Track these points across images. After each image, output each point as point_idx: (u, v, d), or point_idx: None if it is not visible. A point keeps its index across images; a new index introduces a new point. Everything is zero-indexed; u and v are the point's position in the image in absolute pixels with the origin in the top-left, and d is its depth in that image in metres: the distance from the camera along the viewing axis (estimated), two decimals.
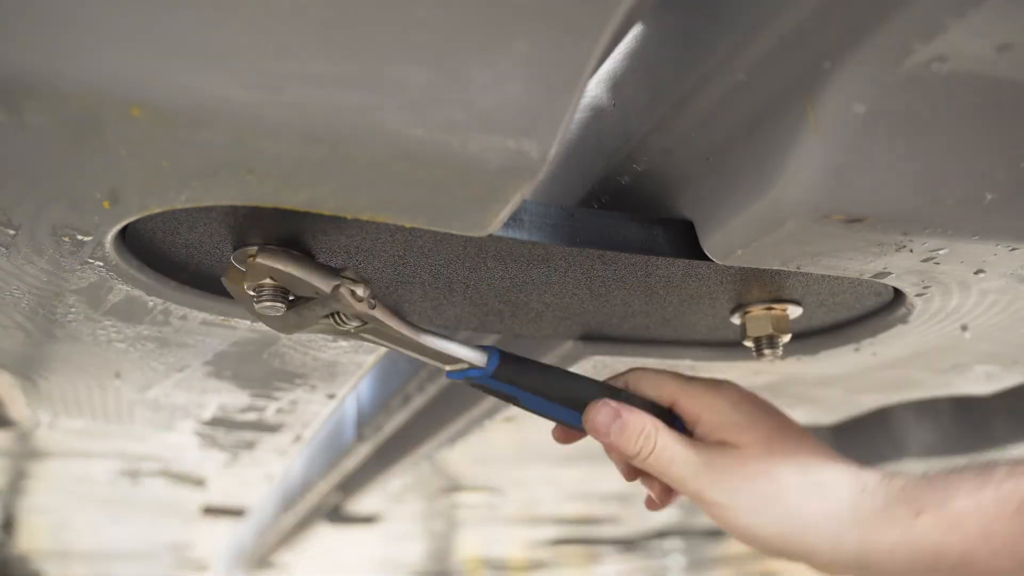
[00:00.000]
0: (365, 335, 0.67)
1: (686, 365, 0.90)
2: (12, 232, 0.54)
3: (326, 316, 0.64)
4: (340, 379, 0.92)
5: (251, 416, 1.10)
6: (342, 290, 0.60)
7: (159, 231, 0.60)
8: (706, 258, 0.64)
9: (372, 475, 1.57)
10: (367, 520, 1.97)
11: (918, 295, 0.70)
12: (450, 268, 0.67)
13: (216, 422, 1.13)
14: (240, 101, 0.40)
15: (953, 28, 0.43)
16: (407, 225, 0.52)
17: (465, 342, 0.69)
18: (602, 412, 0.68)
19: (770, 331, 0.74)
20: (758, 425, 0.66)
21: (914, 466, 1.45)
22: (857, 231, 0.56)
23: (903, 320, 0.77)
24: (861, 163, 0.52)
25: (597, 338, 0.86)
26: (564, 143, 0.75)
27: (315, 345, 0.81)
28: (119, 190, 0.48)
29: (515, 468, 1.50)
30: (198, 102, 0.40)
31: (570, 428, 0.72)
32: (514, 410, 1.07)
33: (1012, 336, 0.81)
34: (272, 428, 1.16)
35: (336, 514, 1.90)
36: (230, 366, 0.88)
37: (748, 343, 0.76)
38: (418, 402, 1.22)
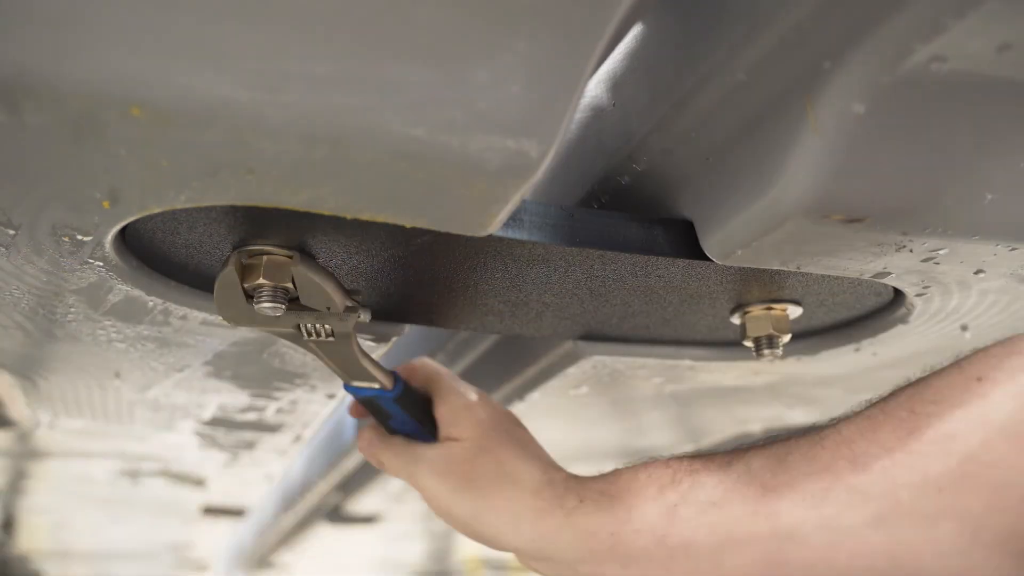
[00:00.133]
0: (311, 344, 0.70)
1: (686, 365, 0.90)
2: (12, 232, 0.54)
3: (298, 324, 0.67)
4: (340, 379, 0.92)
5: (251, 416, 1.10)
6: (354, 312, 0.65)
7: (159, 231, 0.60)
8: (706, 258, 0.64)
9: (372, 475, 1.57)
10: (367, 520, 1.97)
11: (918, 295, 0.70)
12: (450, 268, 0.67)
13: (216, 422, 1.13)
14: (240, 101, 0.40)
15: (953, 28, 0.43)
16: (407, 225, 0.52)
17: (381, 364, 0.76)
18: (359, 437, 0.84)
19: (770, 331, 0.74)
20: (480, 425, 0.75)
21: None
22: (857, 231, 0.56)
23: (903, 320, 0.77)
24: (861, 163, 0.52)
25: (597, 338, 0.86)
26: (564, 143, 0.75)
27: None
28: (119, 190, 0.48)
29: None
30: (198, 102, 0.40)
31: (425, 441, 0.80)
32: (514, 410, 1.07)
33: None
34: (272, 428, 1.16)
35: (336, 514, 1.90)
36: (230, 366, 0.88)
37: (748, 343, 0.76)
38: None
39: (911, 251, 0.59)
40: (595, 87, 0.70)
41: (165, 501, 1.75)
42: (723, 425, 1.23)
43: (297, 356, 0.85)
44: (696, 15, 0.54)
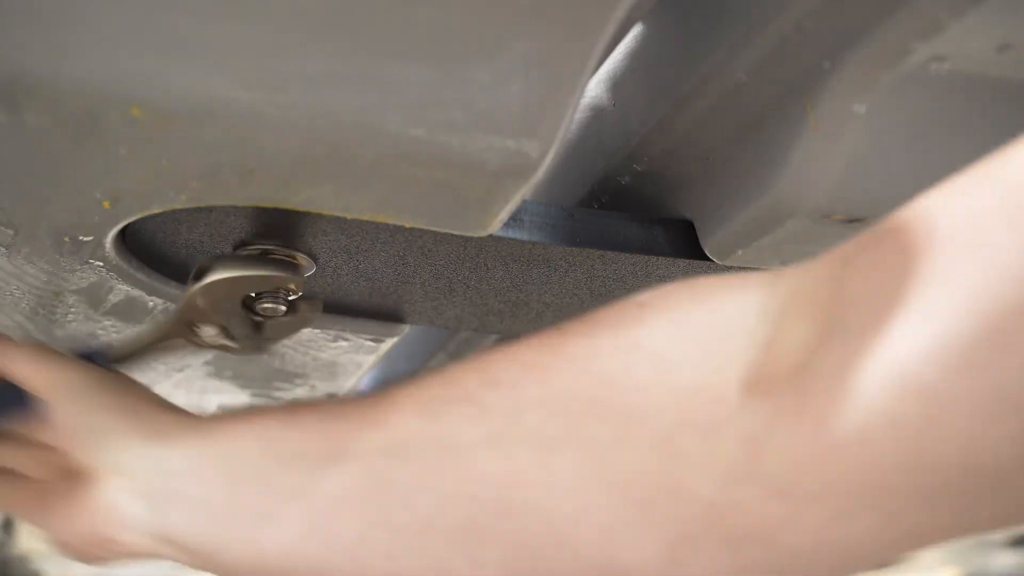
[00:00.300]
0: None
1: None
2: (12, 232, 0.54)
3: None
4: (340, 379, 0.92)
5: None
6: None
7: (159, 231, 0.60)
8: (706, 258, 0.64)
9: None
10: None
11: None
12: (450, 268, 0.67)
13: None
14: (240, 101, 0.40)
15: (953, 28, 0.43)
16: (407, 225, 0.52)
17: None
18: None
19: None
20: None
21: None
22: (857, 231, 0.56)
23: None
24: (861, 163, 0.52)
25: None
26: (564, 143, 0.75)
27: (315, 345, 0.81)
28: (119, 190, 0.48)
29: None
30: (198, 102, 0.40)
31: None
32: None
33: None
34: None
35: None
36: (230, 366, 0.88)
37: None
38: None
39: None
40: (595, 87, 0.70)
41: None
42: None
43: (297, 356, 0.85)
44: (696, 15, 0.54)
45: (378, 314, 0.77)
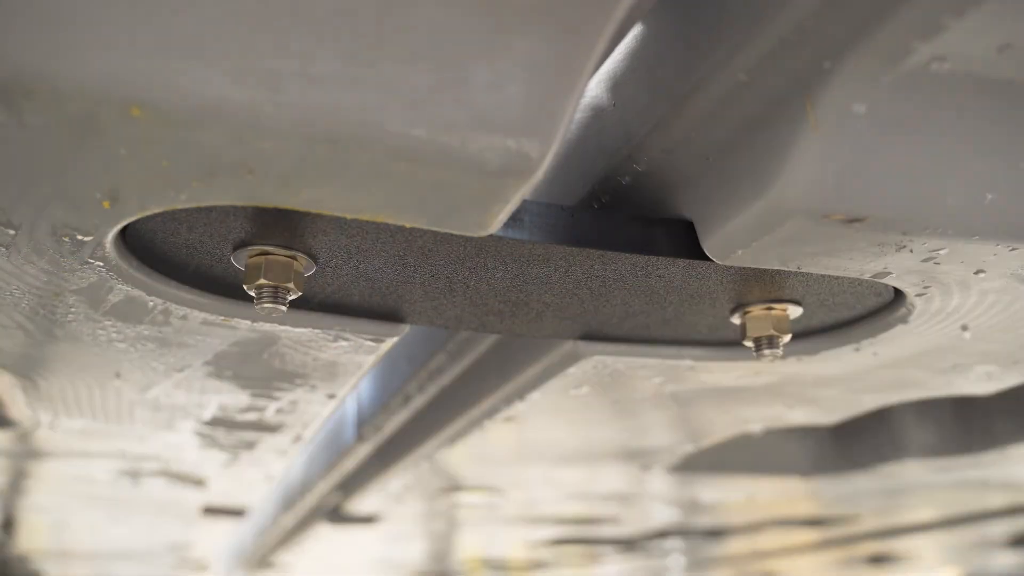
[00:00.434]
0: None
1: (686, 365, 0.90)
2: (12, 232, 0.54)
3: None
4: (340, 379, 0.92)
5: (251, 416, 1.10)
6: None
7: (159, 231, 0.60)
8: (706, 258, 0.64)
9: (372, 475, 1.57)
10: (367, 520, 1.97)
11: (918, 295, 0.70)
12: (450, 268, 0.67)
13: (216, 422, 1.13)
14: (240, 101, 0.40)
15: (953, 28, 0.43)
16: (407, 225, 0.52)
17: None
18: None
19: (770, 331, 0.74)
20: None
21: (914, 466, 1.46)
22: (857, 231, 0.56)
23: (903, 320, 0.77)
24: (861, 163, 0.52)
25: (597, 338, 0.86)
26: (564, 143, 0.76)
27: (315, 345, 0.81)
28: (119, 190, 0.48)
29: (515, 468, 1.50)
30: (198, 102, 0.40)
31: None
32: (514, 410, 1.08)
33: (1012, 336, 0.81)
34: (272, 428, 1.16)
35: (336, 514, 1.90)
36: (230, 366, 0.88)
37: (748, 343, 0.76)
38: (418, 402, 1.22)
39: (911, 251, 0.59)
40: (595, 87, 0.70)
41: (165, 501, 1.75)
42: (723, 425, 1.23)
43: (297, 356, 0.85)
44: (696, 15, 0.54)
45: (378, 314, 0.77)
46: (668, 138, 0.62)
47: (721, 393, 1.04)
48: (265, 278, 0.60)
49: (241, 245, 0.61)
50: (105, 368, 0.87)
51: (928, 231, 0.56)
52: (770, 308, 0.75)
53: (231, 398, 1.00)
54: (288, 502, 1.90)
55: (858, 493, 1.78)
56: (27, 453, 1.34)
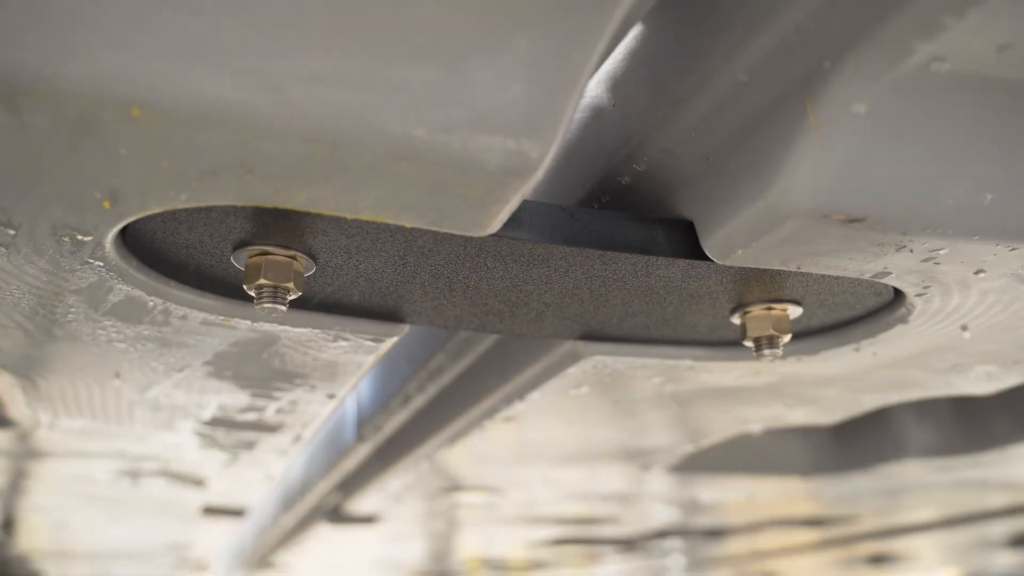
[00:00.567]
0: None
1: (686, 365, 0.90)
2: (12, 232, 0.54)
3: None
4: (340, 379, 0.92)
5: (251, 416, 1.10)
6: None
7: (159, 231, 0.60)
8: (706, 258, 0.64)
9: (372, 475, 1.57)
10: (367, 520, 1.97)
11: (918, 295, 0.70)
12: (450, 268, 0.67)
13: (216, 422, 1.13)
14: (240, 101, 0.40)
15: (953, 28, 0.43)
16: (407, 225, 0.52)
17: None
18: None
19: (770, 331, 0.74)
20: None
21: (914, 466, 1.46)
22: (857, 231, 0.56)
23: (903, 320, 0.77)
24: (861, 163, 0.52)
25: (597, 338, 0.86)
26: (564, 143, 0.75)
27: (315, 345, 0.81)
28: (119, 190, 0.48)
29: (515, 468, 1.50)
30: (198, 102, 0.40)
31: None
32: (514, 410, 1.07)
33: (1012, 336, 0.81)
34: (272, 428, 1.16)
35: (336, 514, 1.91)
36: (230, 366, 0.88)
37: (748, 343, 0.76)
38: (418, 402, 1.22)
39: (911, 251, 0.59)
40: (595, 87, 0.70)
41: (165, 501, 1.75)
42: (723, 425, 1.23)
43: (297, 356, 0.85)
44: (696, 15, 0.54)
45: (378, 314, 0.77)
46: (668, 138, 0.62)
47: (721, 393, 1.04)
48: (265, 278, 0.60)
49: (241, 245, 0.61)
50: (105, 368, 0.87)
51: (928, 231, 0.56)
52: (770, 308, 0.75)
53: (231, 398, 1.00)
54: (288, 502, 1.90)
55: (858, 493, 1.78)
56: (27, 453, 1.34)
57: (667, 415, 1.16)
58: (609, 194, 0.72)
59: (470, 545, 2.63)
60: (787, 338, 0.75)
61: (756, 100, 0.54)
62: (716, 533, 2.44)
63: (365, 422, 1.36)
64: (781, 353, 0.75)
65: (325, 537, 2.17)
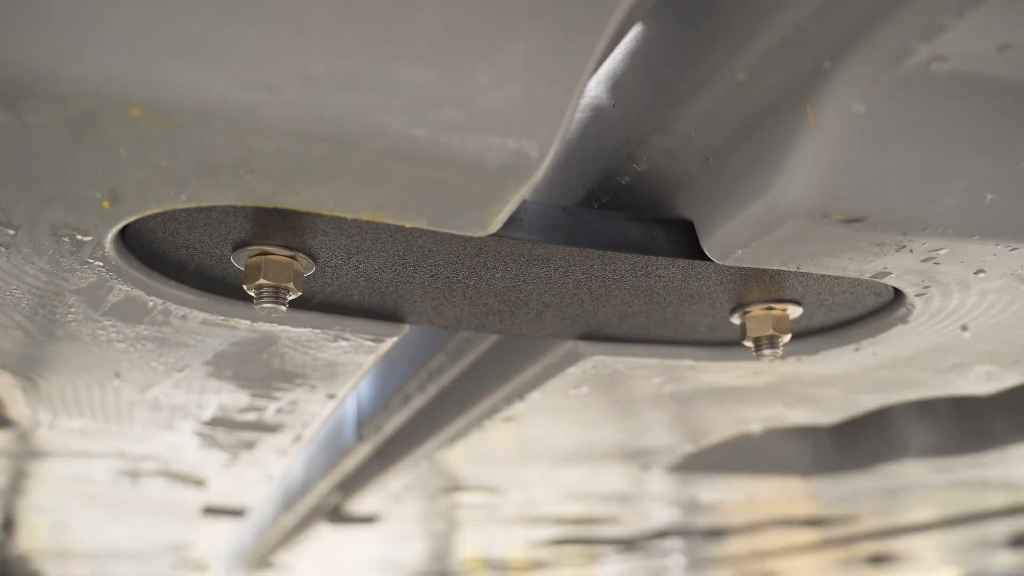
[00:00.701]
0: None
1: (686, 365, 0.90)
2: (12, 232, 0.54)
3: None
4: (340, 379, 0.92)
5: (251, 416, 1.10)
6: None
7: (159, 231, 0.60)
8: (706, 258, 0.64)
9: (372, 475, 1.57)
10: (367, 520, 1.97)
11: (918, 295, 0.70)
12: (450, 268, 0.67)
13: (216, 422, 1.13)
14: (240, 101, 0.40)
15: (953, 28, 0.43)
16: (407, 225, 0.52)
17: None
18: None
19: (770, 331, 0.74)
20: None
21: (914, 466, 1.46)
22: (857, 231, 0.56)
23: (903, 320, 0.77)
24: (861, 163, 0.52)
25: (597, 338, 0.86)
26: (564, 143, 0.75)
27: (315, 345, 0.81)
28: (119, 190, 0.48)
29: (515, 468, 1.50)
30: (198, 102, 0.40)
31: None
32: (514, 410, 1.07)
33: (1012, 336, 0.81)
34: (272, 428, 1.16)
35: (336, 514, 1.90)
36: (230, 366, 0.88)
37: (748, 343, 0.76)
38: (418, 402, 1.22)
39: (911, 251, 0.59)
40: (595, 87, 0.70)
41: (165, 501, 1.75)
42: (723, 425, 1.23)
43: (297, 356, 0.85)
44: (696, 15, 0.54)
45: (378, 314, 0.77)
46: (668, 138, 0.62)
47: (721, 393, 1.04)
48: (265, 278, 0.60)
49: (241, 245, 0.61)
50: (105, 368, 0.87)
51: (928, 231, 0.56)
52: (770, 308, 0.75)
53: (231, 398, 1.00)
54: (288, 502, 1.90)
55: (858, 493, 1.78)
56: (27, 453, 1.34)
57: (667, 415, 1.16)
58: (609, 194, 0.72)
59: (470, 545, 2.63)
60: (787, 338, 0.75)
61: (756, 100, 0.54)
62: (716, 533, 2.44)
63: (365, 422, 1.36)
64: (781, 353, 0.75)
65: (325, 537, 2.17)
